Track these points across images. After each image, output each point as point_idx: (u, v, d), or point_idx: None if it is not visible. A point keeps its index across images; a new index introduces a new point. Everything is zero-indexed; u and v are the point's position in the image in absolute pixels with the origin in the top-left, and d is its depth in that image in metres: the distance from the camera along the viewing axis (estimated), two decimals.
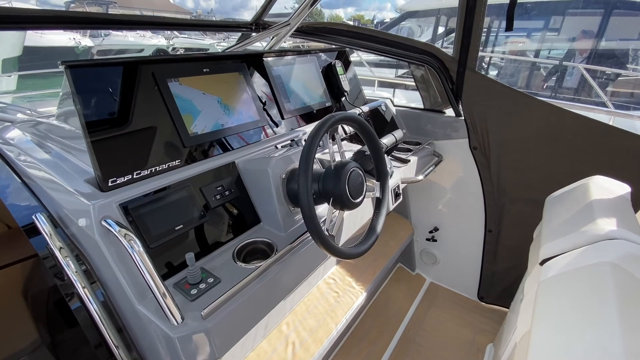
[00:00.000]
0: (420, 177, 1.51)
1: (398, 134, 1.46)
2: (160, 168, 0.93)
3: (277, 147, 1.20)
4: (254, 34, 1.93)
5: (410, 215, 2.12)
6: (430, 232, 2.02)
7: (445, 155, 1.81)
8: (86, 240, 0.78)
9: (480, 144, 1.72)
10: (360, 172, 0.92)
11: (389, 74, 6.09)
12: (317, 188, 0.92)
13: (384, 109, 1.86)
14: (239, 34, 2.04)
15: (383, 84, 5.79)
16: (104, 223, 0.73)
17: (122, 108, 0.91)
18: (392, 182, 1.31)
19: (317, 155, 1.35)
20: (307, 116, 1.49)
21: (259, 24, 1.92)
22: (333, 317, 1.33)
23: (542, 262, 1.00)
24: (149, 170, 0.91)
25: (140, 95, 0.95)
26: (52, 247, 0.77)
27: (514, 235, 1.77)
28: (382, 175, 1.03)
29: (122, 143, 0.88)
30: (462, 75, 1.67)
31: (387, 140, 1.38)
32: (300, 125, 1.43)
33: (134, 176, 0.88)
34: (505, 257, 1.84)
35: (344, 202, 0.87)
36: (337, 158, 0.99)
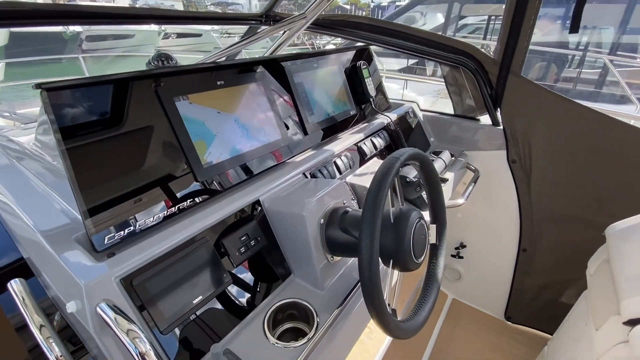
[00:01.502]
0: (462, 200, 1.34)
1: (446, 156, 1.25)
2: (169, 212, 0.74)
3: (305, 176, 1.01)
4: (263, 27, 1.70)
5: None
6: (456, 248, 1.87)
7: (479, 168, 1.63)
8: (79, 325, 0.60)
9: (521, 158, 1.54)
10: (424, 222, 0.74)
11: (395, 65, 5.80)
12: None
13: (412, 115, 1.67)
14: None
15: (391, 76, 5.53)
16: (100, 310, 0.55)
17: (118, 139, 0.71)
18: None
19: (348, 179, 1.16)
20: (331, 129, 1.29)
21: (269, 16, 1.69)
22: (367, 358, 1.17)
23: (630, 322, 0.84)
24: (155, 216, 0.72)
25: (141, 121, 0.75)
26: (29, 324, 0.59)
27: (553, 256, 1.62)
28: (440, 222, 0.85)
29: (120, 186, 0.68)
30: (503, 80, 1.48)
31: (439, 164, 1.16)
32: (324, 139, 1.23)
33: (137, 228, 0.69)
34: (540, 277, 1.70)
35: (406, 264, 0.69)
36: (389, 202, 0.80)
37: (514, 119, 1.50)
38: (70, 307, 0.57)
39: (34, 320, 0.59)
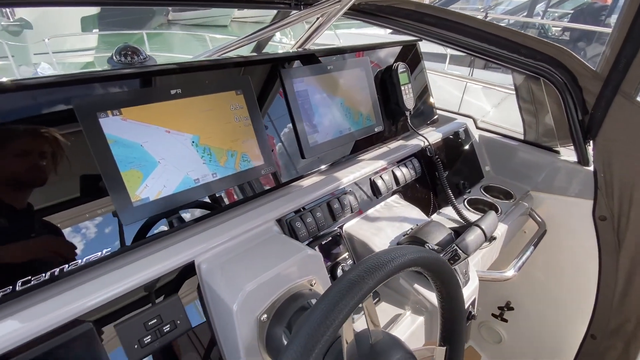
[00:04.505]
0: (512, 272, 0.96)
1: (490, 222, 0.80)
2: (71, 267, 0.56)
3: (282, 225, 0.75)
4: (294, 11, 1.43)
5: None
6: (500, 308, 1.47)
7: (548, 219, 1.20)
8: None
9: (614, 215, 1.08)
10: None
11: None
12: None
13: (462, 136, 1.28)
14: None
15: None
16: None
17: (14, 164, 0.53)
18: (465, 295, 0.79)
19: (347, 226, 0.88)
20: (343, 150, 1.00)
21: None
22: None
23: None
24: (49, 274, 0.54)
25: (48, 142, 0.56)
26: None
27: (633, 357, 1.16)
28: (455, 344, 0.54)
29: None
30: (606, 103, 1.02)
31: (472, 240, 0.69)
32: (329, 168, 0.96)
33: (18, 288, 0.52)
34: None
35: None
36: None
37: (613, 159, 1.05)
38: None
39: None
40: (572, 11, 6.91)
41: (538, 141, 1.25)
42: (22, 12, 8.11)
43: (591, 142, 1.09)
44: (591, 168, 1.11)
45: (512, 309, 1.44)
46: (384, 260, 0.38)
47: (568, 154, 1.19)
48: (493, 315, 1.51)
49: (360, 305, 0.41)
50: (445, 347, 0.55)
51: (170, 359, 0.59)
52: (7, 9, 7.58)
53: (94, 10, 8.88)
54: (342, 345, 0.42)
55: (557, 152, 1.21)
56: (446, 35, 1.22)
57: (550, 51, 1.07)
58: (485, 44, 1.16)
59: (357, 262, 0.39)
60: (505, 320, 1.48)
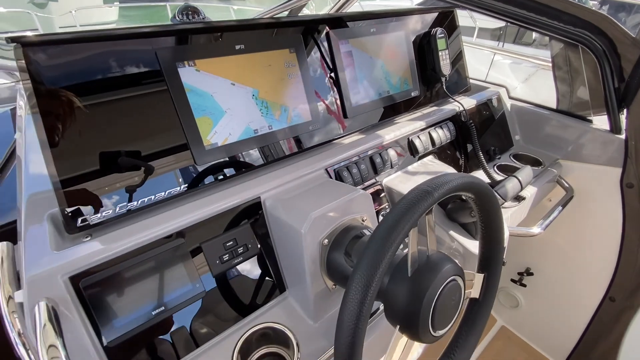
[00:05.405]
0: (537, 229, 1.02)
1: (526, 174, 0.87)
2: (153, 198, 0.65)
3: (328, 173, 0.83)
4: None
5: None
6: (520, 273, 1.54)
7: (575, 186, 1.24)
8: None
9: None
10: (460, 282, 0.52)
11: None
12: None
13: (495, 104, 1.31)
14: None
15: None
16: (36, 310, 0.48)
17: (106, 106, 0.61)
18: None
19: (386, 180, 0.95)
20: (380, 113, 1.05)
21: None
22: None
23: None
24: (139, 201, 0.63)
25: (135, 87, 0.64)
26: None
27: None
28: (492, 273, 0.61)
29: (102, 161, 0.60)
30: None
31: (510, 187, 0.80)
32: (368, 126, 1.02)
33: (117, 210, 0.61)
34: (626, 336, 1.31)
35: (418, 335, 0.50)
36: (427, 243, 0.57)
37: None
38: (18, 297, 0.52)
39: (4, 290, 0.56)
40: None
41: (571, 110, 1.27)
42: None
43: (625, 110, 1.11)
44: (623, 136, 1.13)
45: (531, 274, 1.51)
46: (447, 180, 0.45)
47: (600, 122, 1.21)
48: (512, 280, 1.58)
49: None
50: (483, 274, 0.63)
51: (243, 275, 0.69)
52: None
53: None
54: (408, 252, 0.49)
55: (590, 121, 1.23)
56: (483, 2, 1.23)
57: (592, 18, 1.07)
58: (525, 10, 1.16)
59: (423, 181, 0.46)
60: (524, 285, 1.55)
